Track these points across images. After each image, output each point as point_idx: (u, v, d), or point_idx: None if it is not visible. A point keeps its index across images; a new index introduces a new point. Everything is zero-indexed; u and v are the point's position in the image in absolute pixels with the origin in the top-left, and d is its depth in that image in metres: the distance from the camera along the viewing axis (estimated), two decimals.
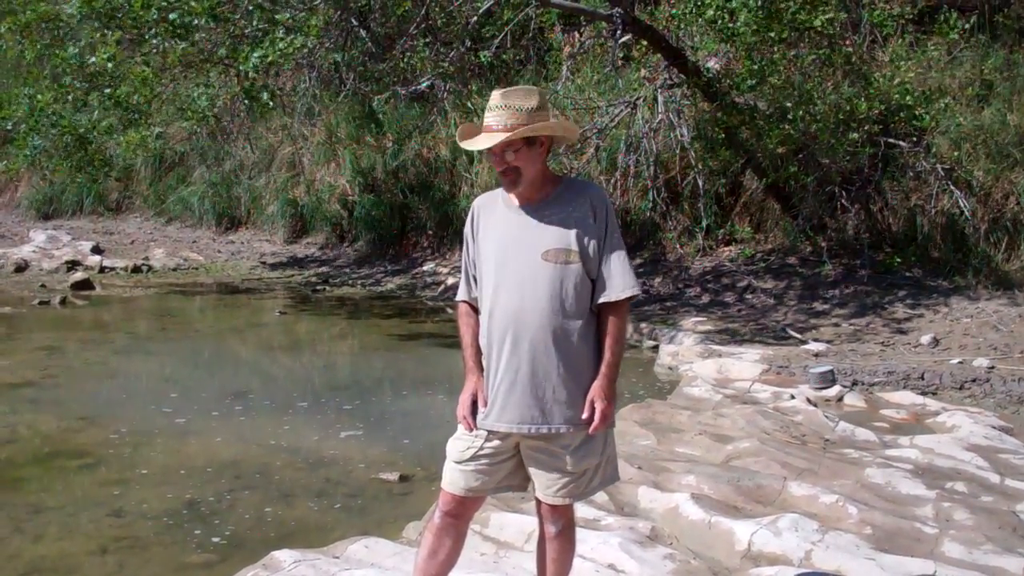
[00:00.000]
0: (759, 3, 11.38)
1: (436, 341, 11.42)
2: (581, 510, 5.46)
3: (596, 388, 3.65)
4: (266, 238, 19.42)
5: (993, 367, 8.60)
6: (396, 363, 10.67)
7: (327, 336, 12.48)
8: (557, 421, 3.63)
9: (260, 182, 20.15)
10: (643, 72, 13.77)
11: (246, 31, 11.61)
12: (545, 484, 3.72)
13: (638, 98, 13.29)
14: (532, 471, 3.75)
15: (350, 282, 15.69)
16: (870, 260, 11.65)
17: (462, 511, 3.87)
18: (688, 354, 9.75)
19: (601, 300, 3.65)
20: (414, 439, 7.62)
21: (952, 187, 11.30)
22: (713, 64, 12.83)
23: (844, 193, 11.95)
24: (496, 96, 3.62)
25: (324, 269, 16.87)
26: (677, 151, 13.09)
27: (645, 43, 12.94)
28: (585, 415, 3.62)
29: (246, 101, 12.79)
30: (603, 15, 12.80)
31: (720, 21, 11.52)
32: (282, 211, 19.09)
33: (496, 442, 3.72)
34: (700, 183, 12.63)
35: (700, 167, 12.62)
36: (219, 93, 14.52)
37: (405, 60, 14.84)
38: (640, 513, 5.56)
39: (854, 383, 8.38)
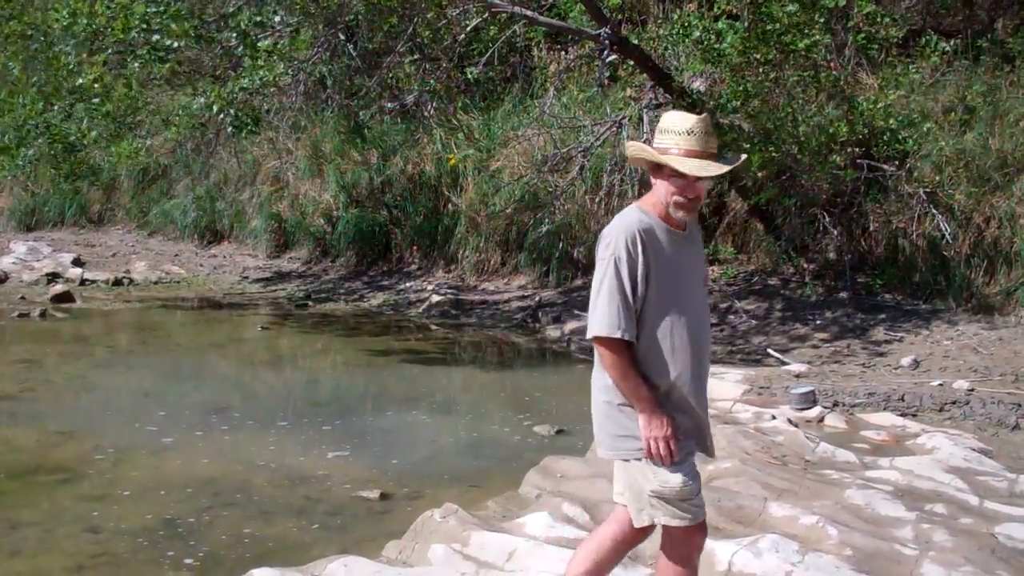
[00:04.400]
0: (745, 25, 11.48)
1: (420, 358, 11.41)
2: (562, 530, 5.46)
3: None
4: (249, 252, 19.34)
5: (973, 389, 8.63)
6: (379, 380, 10.64)
7: (310, 352, 12.43)
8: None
9: (244, 196, 20.09)
10: (629, 91, 13.84)
11: (231, 53, 11.64)
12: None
13: (623, 117, 13.33)
14: None
15: (334, 298, 15.64)
16: (852, 282, 11.69)
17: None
18: None
19: None
20: (396, 457, 7.61)
21: (934, 211, 11.36)
22: (698, 85, 12.90)
23: (826, 215, 12.00)
24: (699, 121, 3.59)
25: (307, 284, 16.80)
26: None
27: (631, 63, 13.00)
28: None
29: (230, 128, 12.76)
30: (590, 34, 12.85)
31: (706, 42, 11.60)
32: (266, 225, 19.02)
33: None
34: None
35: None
36: (208, 103, 14.49)
37: (391, 76, 14.87)
38: None
39: (835, 404, 8.39)
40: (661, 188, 3.67)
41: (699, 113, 3.72)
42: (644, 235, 3.63)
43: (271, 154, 19.58)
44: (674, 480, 3.68)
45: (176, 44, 11.05)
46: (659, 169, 3.65)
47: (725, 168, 3.61)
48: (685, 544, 3.80)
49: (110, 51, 11.71)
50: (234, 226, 20.12)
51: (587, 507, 5.85)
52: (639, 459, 3.71)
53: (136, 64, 11.51)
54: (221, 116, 12.10)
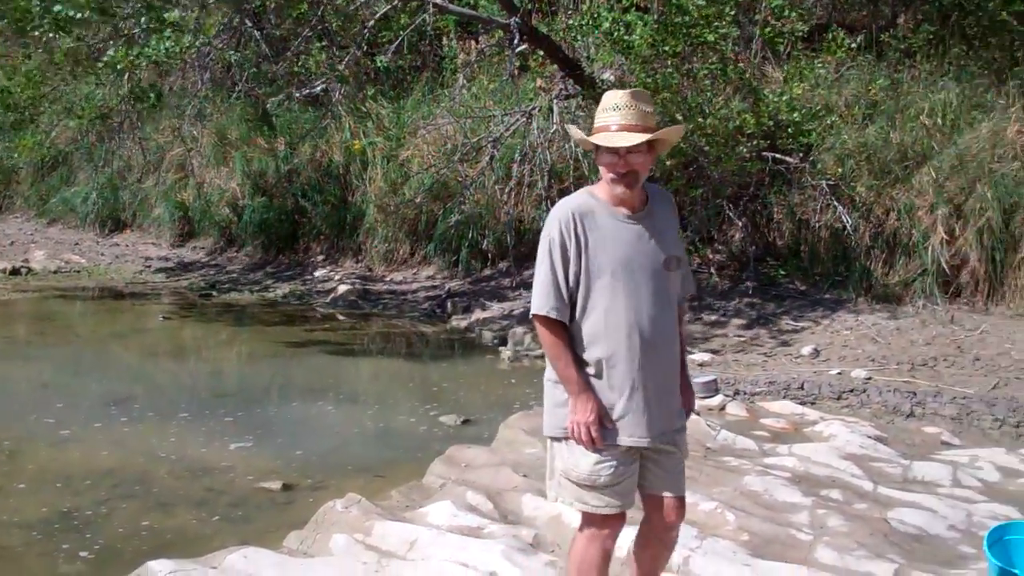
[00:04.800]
0: (655, 17, 11.57)
1: (326, 349, 11.30)
2: (465, 518, 5.46)
3: (684, 379, 3.92)
4: (152, 241, 19.00)
5: (870, 378, 8.82)
6: (284, 371, 10.52)
7: (213, 343, 12.25)
8: (681, 420, 3.85)
9: (148, 184, 19.74)
10: (539, 82, 13.85)
11: (134, 30, 11.39)
12: (675, 480, 3.80)
13: (533, 108, 13.35)
14: (658, 475, 3.77)
15: (238, 288, 15.42)
16: (756, 273, 11.86)
17: (619, 528, 3.85)
18: None
19: (687, 294, 3.93)
20: (300, 448, 7.53)
21: (836, 203, 11.57)
22: (608, 75, 12.96)
23: (732, 206, 12.15)
24: (624, 96, 3.60)
25: (212, 274, 16.55)
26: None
27: (541, 53, 13.02)
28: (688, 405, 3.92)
29: (132, 98, 12.50)
30: (500, 23, 12.85)
31: (615, 33, 11.66)
32: (170, 214, 18.69)
33: (633, 455, 3.72)
34: None
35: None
36: (109, 92, 14.19)
37: (299, 63, 14.71)
38: (524, 521, 5.57)
39: (736, 393, 8.52)
40: (600, 167, 3.67)
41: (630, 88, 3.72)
42: (578, 217, 3.63)
43: (175, 142, 19.23)
44: (583, 465, 3.68)
45: (78, 15, 10.75)
46: (597, 148, 3.64)
47: (643, 137, 3.52)
48: (594, 531, 3.80)
49: (9, 23, 11.38)
50: (137, 215, 19.77)
51: (491, 496, 5.86)
52: (561, 438, 3.73)
53: (36, 33, 11.17)
54: (124, 87, 11.83)
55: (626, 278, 3.60)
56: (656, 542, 3.87)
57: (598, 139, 3.57)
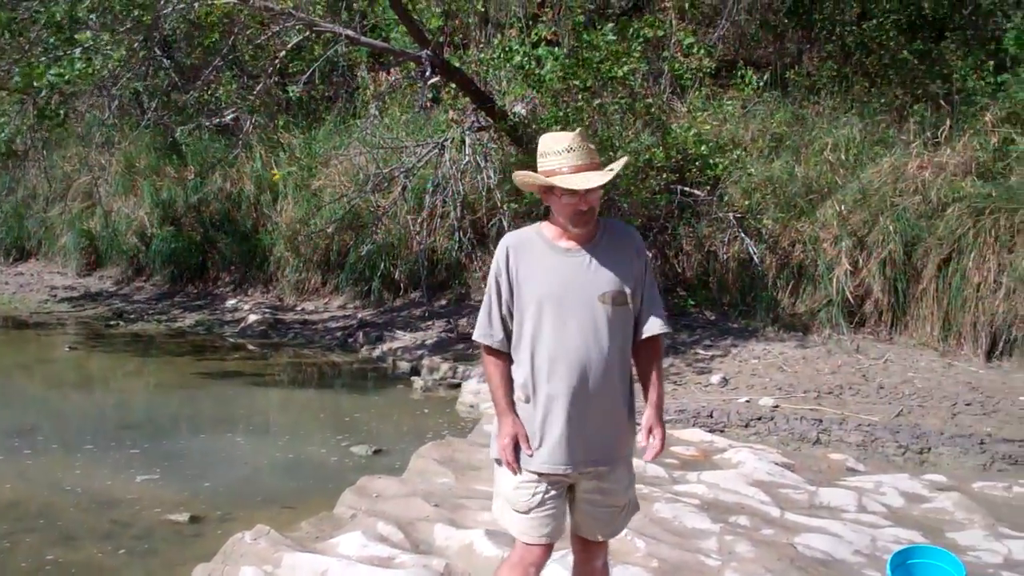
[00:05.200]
0: (565, 52, 11.72)
1: (236, 379, 11.16)
2: (375, 549, 5.42)
3: (652, 416, 3.78)
4: (58, 270, 18.64)
5: (777, 406, 8.97)
6: (193, 402, 10.36)
7: (120, 373, 12.01)
8: (614, 457, 3.74)
9: (53, 212, 19.37)
10: (451, 114, 13.92)
11: (42, 52, 11.18)
12: (602, 522, 3.80)
13: (446, 139, 13.40)
14: (585, 511, 3.79)
15: (146, 317, 15.15)
16: (666, 303, 11.99)
17: (541, 559, 3.82)
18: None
19: (649, 334, 3.76)
20: (208, 480, 7.43)
21: (743, 234, 11.78)
22: (520, 109, 13.06)
23: (642, 237, 12.27)
24: (573, 138, 3.64)
25: (119, 304, 16.25)
26: (484, 193, 13.22)
27: (453, 85, 13.08)
28: (643, 444, 3.76)
29: (37, 119, 12.27)
30: (412, 56, 12.87)
31: (527, 67, 11.77)
32: (76, 243, 18.36)
33: (556, 485, 3.73)
34: (506, 225, 12.77)
35: (506, 209, 12.77)
36: (14, 120, 13.90)
37: (210, 92, 14.57)
38: (435, 551, 5.56)
39: None
40: (555, 208, 3.70)
41: (573, 130, 3.75)
42: (512, 250, 3.76)
43: (82, 169, 18.92)
44: (506, 487, 3.79)
45: None
46: (550, 191, 3.68)
47: (609, 176, 3.62)
48: (516, 559, 3.83)
49: None
50: (42, 243, 19.40)
51: (402, 526, 5.83)
52: (498, 460, 3.83)
53: None
54: (30, 114, 11.58)
55: (553, 309, 3.65)
56: (583, 572, 3.88)
57: (561, 181, 3.60)
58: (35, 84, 10.90)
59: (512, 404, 3.77)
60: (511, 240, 3.81)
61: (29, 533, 6.24)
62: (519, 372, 3.74)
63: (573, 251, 3.70)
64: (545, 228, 3.78)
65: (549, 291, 3.66)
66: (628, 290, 3.68)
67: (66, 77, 10.63)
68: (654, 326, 3.76)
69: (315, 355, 12.64)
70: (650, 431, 3.73)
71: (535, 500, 3.71)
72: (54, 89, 11.12)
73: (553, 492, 3.71)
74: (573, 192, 3.60)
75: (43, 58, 11.04)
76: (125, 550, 6.00)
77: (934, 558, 4.70)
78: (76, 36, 11.02)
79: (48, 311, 15.81)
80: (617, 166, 3.71)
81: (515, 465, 3.72)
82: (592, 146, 3.70)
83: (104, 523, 6.45)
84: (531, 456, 3.70)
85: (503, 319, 3.77)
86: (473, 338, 3.88)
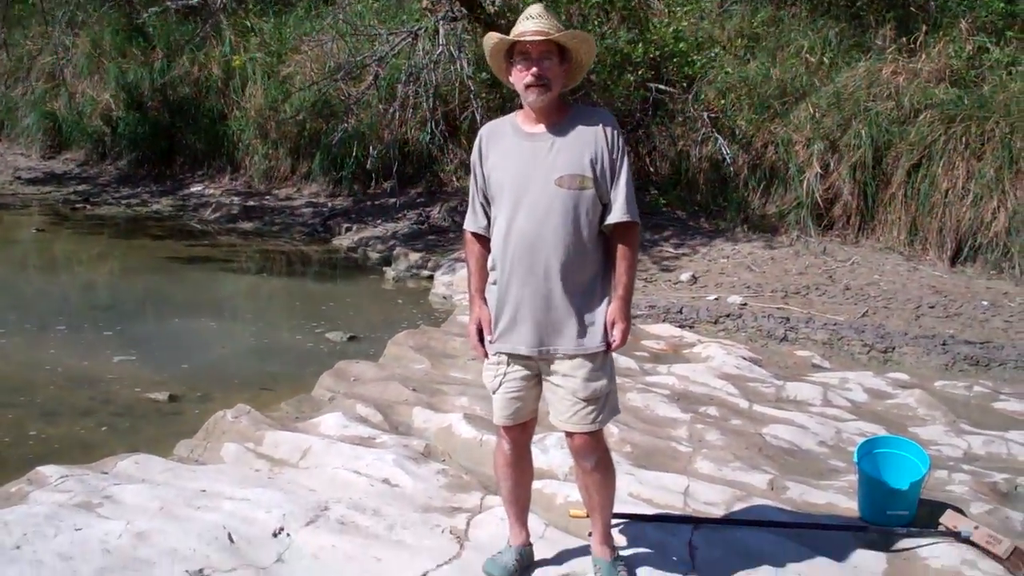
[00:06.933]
0: None
1: (206, 265, 11.17)
2: (356, 429, 5.53)
3: (615, 310, 3.67)
4: (22, 152, 18.38)
5: (745, 304, 9.12)
6: (163, 286, 10.34)
7: (88, 256, 11.95)
8: (569, 345, 3.65)
9: (16, 92, 19.01)
10: (425, 2, 13.70)
11: None
12: (559, 410, 3.73)
13: (419, 28, 13.22)
14: (548, 397, 3.77)
15: (112, 201, 15.03)
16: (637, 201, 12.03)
17: (515, 438, 3.89)
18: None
19: (610, 221, 3.65)
20: (185, 361, 7.47)
21: (716, 135, 11.81)
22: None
23: None
24: (537, 7, 3.60)
25: (84, 187, 16.10)
26: (457, 84, 13.11)
27: None
28: (607, 337, 3.66)
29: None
30: None
31: None
32: (39, 124, 18.08)
33: (519, 367, 3.75)
34: (479, 118, 12.71)
35: (479, 102, 12.70)
36: None
37: None
38: (414, 432, 5.67)
39: None
40: (516, 84, 3.67)
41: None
42: (487, 138, 3.78)
43: (46, 49, 18.52)
44: (484, 370, 3.86)
45: None
46: (510, 63, 3.66)
47: (555, 33, 3.54)
48: (497, 435, 3.96)
49: None
50: (5, 124, 19.06)
51: (380, 408, 5.93)
52: None
53: None
54: None
55: (513, 194, 3.65)
56: (578, 471, 3.93)
57: (512, 36, 3.59)
58: None
59: (481, 291, 3.84)
60: (485, 129, 3.84)
61: (10, 408, 6.28)
62: (491, 256, 3.78)
63: (537, 135, 3.67)
64: (518, 115, 3.77)
65: (512, 175, 3.66)
66: (589, 174, 3.59)
67: None
68: (617, 214, 3.64)
69: (286, 243, 12.64)
70: (613, 324, 3.67)
71: (497, 381, 3.79)
72: None
73: (516, 374, 3.76)
74: (528, 58, 3.58)
75: None
76: (107, 426, 6.07)
77: (899, 448, 4.87)
78: None
79: (12, 192, 15.64)
80: (574, 36, 3.63)
81: (480, 349, 3.81)
82: (558, 23, 3.63)
83: (84, 400, 6.50)
84: (491, 340, 3.77)
85: (483, 205, 3.82)
86: (464, 228, 3.92)
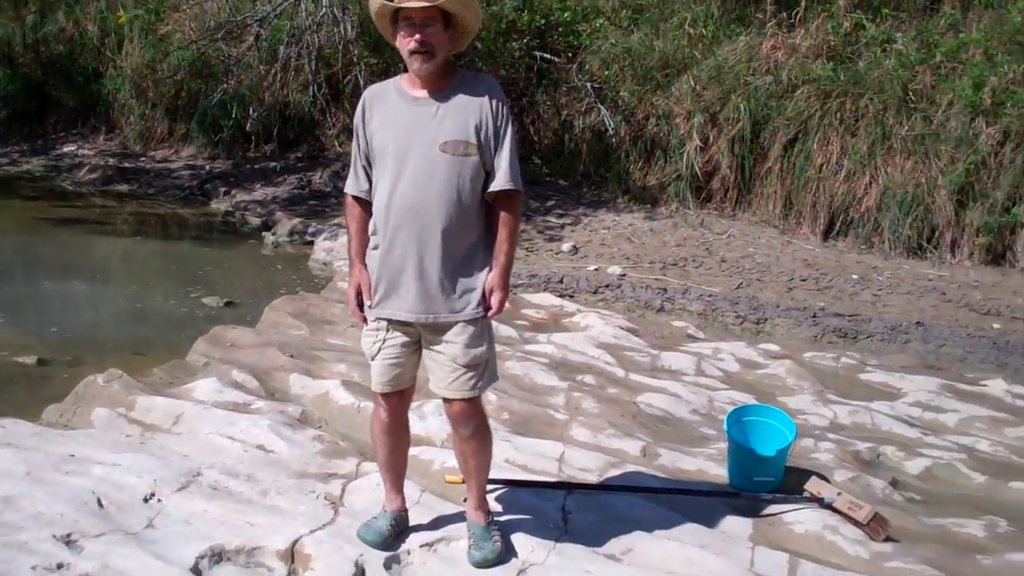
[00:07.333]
0: None
1: (78, 227, 10.86)
2: (231, 395, 5.45)
3: (494, 277, 3.65)
4: None
5: (624, 275, 9.24)
6: (32, 248, 10.04)
7: None
8: (447, 311, 3.63)
9: None
10: None
11: None
12: (439, 377, 3.72)
13: None
14: (428, 364, 3.75)
15: None
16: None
17: (393, 405, 3.85)
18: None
19: (493, 189, 3.62)
20: (54, 325, 7.27)
21: (600, 105, 11.90)
22: None
23: None
24: None
25: None
26: (340, 47, 12.94)
27: None
28: (485, 304, 3.65)
29: None
30: None
31: None
32: None
33: (398, 333, 3.71)
34: (362, 82, 12.56)
35: (362, 65, 12.56)
36: None
37: None
38: (291, 398, 5.62)
39: None
40: (400, 48, 3.61)
41: None
42: (370, 101, 3.74)
43: None
44: (363, 337, 3.85)
45: None
46: (394, 26, 3.61)
47: (432, 2, 3.47)
48: (375, 403, 3.94)
49: None
50: None
51: (257, 374, 5.86)
52: None
53: None
54: None
55: (396, 158, 3.62)
56: (455, 438, 3.93)
57: (392, 4, 3.53)
58: None
59: (361, 255, 3.80)
60: (369, 92, 3.80)
61: None
62: (372, 221, 3.75)
63: (421, 100, 3.64)
64: (403, 79, 3.73)
65: (394, 140, 3.64)
66: (474, 140, 3.58)
67: None
68: (499, 181, 3.63)
69: (162, 205, 12.36)
70: (491, 292, 3.67)
71: (376, 348, 3.78)
72: None
73: (395, 341, 3.75)
74: (411, 23, 3.53)
75: None
76: None
77: (767, 416, 5.00)
78: None
79: None
80: (456, 2, 3.57)
81: (359, 314, 3.79)
82: None
83: None
84: (370, 305, 3.76)
85: (364, 169, 3.78)
86: (345, 191, 3.88)
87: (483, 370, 3.74)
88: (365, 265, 3.79)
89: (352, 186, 3.82)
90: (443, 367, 3.70)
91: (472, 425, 3.79)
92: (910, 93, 10.58)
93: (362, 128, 3.74)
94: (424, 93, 3.65)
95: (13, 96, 16.17)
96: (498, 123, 3.64)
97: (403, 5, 3.51)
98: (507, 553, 3.90)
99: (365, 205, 3.80)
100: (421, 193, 3.58)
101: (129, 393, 5.34)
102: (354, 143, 3.80)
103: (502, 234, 3.68)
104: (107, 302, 8.13)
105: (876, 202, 10.29)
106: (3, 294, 8.07)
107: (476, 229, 3.69)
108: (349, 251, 3.86)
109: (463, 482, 4.07)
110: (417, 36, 3.53)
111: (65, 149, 15.14)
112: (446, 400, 3.78)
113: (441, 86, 3.65)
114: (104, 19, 15.60)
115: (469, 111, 3.61)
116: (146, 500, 4.12)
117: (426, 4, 3.49)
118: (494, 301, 3.66)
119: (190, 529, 3.94)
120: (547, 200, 11.59)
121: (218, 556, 3.78)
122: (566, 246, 10.14)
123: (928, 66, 10.76)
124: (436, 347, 3.71)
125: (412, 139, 3.61)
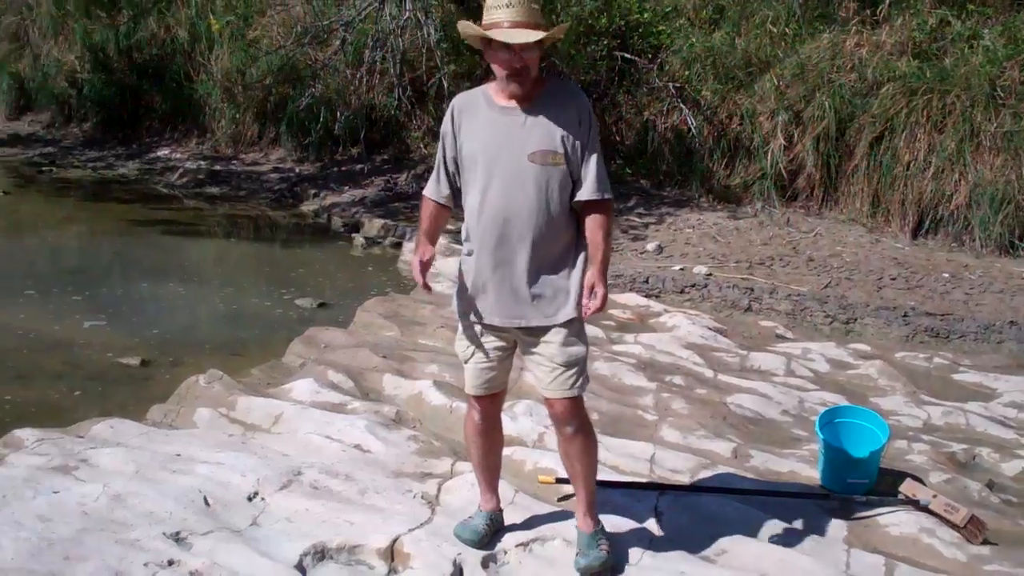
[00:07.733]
0: None
1: (173, 229, 11.14)
2: (327, 395, 5.60)
3: (595, 274, 3.70)
4: None
5: (711, 274, 9.23)
6: (131, 251, 10.34)
7: (55, 220, 11.82)
8: (540, 316, 3.73)
9: None
10: None
11: None
12: (539, 377, 3.82)
13: None
14: (528, 366, 3.88)
15: (78, 164, 14.93)
16: None
17: (486, 407, 3.98)
18: None
19: (580, 199, 3.68)
20: (155, 327, 7.52)
21: (682, 105, 11.89)
22: None
23: None
24: None
25: (50, 149, 15.97)
26: (424, 51, 13.08)
27: None
28: (579, 305, 3.71)
29: None
30: None
31: None
32: (3, 85, 17.88)
33: (492, 337, 3.83)
34: (445, 84, 12.70)
35: (446, 69, 12.70)
36: None
37: None
38: (385, 399, 5.75)
39: None
40: (493, 64, 3.69)
41: None
42: (459, 109, 3.81)
43: (9, 9, 18.31)
44: (456, 340, 3.95)
45: None
46: (488, 45, 3.66)
47: (542, 35, 3.56)
48: (468, 405, 4.05)
49: None
50: None
51: (351, 375, 6.01)
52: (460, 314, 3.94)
53: None
54: None
55: (486, 166, 3.70)
56: (560, 439, 3.97)
57: (495, 35, 3.58)
58: None
59: (429, 233, 3.93)
60: (458, 100, 3.86)
61: None
62: (464, 227, 3.83)
63: (510, 110, 3.70)
64: (491, 88, 3.80)
65: (483, 148, 3.71)
66: (561, 150, 3.64)
67: None
68: (587, 191, 3.69)
69: (253, 208, 12.61)
70: (592, 289, 3.71)
71: (469, 351, 3.88)
72: None
73: (489, 344, 3.84)
74: (508, 47, 3.59)
75: None
76: (80, 391, 6.10)
77: (860, 418, 5.00)
78: None
79: None
80: (557, 30, 3.70)
81: (421, 279, 3.87)
82: (536, 6, 3.65)
83: (57, 364, 6.53)
84: (465, 308, 3.84)
85: (449, 176, 3.87)
86: (423, 194, 3.97)
87: (582, 368, 3.80)
88: (431, 243, 3.93)
89: (432, 191, 3.92)
90: (541, 367, 3.78)
91: (575, 424, 3.84)
92: (998, 89, 10.40)
93: (451, 135, 3.82)
94: (512, 103, 3.71)
95: (108, 101, 16.60)
96: (584, 133, 3.69)
97: (511, 42, 3.55)
98: (618, 560, 3.94)
99: (441, 208, 3.92)
100: (510, 202, 3.66)
101: (230, 394, 5.52)
102: (439, 149, 3.89)
103: (598, 236, 3.73)
104: (203, 303, 8.35)
105: (965, 199, 10.14)
106: (105, 296, 8.34)
107: (566, 235, 3.75)
108: (420, 232, 3.97)
109: (557, 482, 4.15)
110: (516, 63, 3.60)
111: (159, 153, 15.51)
112: (548, 401, 3.85)
113: (532, 96, 3.71)
114: (193, 25, 15.95)
115: (556, 121, 3.67)
116: (250, 499, 4.27)
117: (524, 40, 3.55)
118: (598, 298, 3.70)
119: (292, 527, 4.08)
120: (630, 199, 11.61)
121: (321, 554, 3.91)
122: (651, 246, 10.15)
123: (1016, 62, 10.56)
124: (534, 349, 3.79)
125: (501, 149, 3.68)
